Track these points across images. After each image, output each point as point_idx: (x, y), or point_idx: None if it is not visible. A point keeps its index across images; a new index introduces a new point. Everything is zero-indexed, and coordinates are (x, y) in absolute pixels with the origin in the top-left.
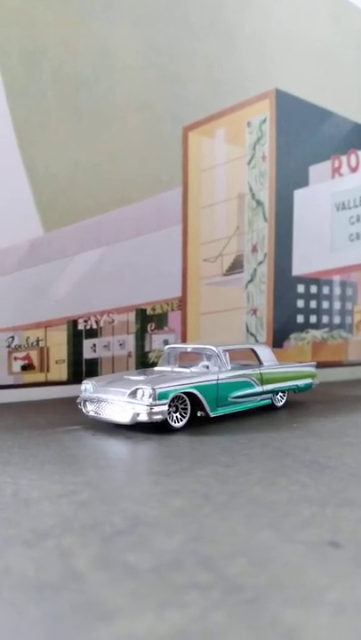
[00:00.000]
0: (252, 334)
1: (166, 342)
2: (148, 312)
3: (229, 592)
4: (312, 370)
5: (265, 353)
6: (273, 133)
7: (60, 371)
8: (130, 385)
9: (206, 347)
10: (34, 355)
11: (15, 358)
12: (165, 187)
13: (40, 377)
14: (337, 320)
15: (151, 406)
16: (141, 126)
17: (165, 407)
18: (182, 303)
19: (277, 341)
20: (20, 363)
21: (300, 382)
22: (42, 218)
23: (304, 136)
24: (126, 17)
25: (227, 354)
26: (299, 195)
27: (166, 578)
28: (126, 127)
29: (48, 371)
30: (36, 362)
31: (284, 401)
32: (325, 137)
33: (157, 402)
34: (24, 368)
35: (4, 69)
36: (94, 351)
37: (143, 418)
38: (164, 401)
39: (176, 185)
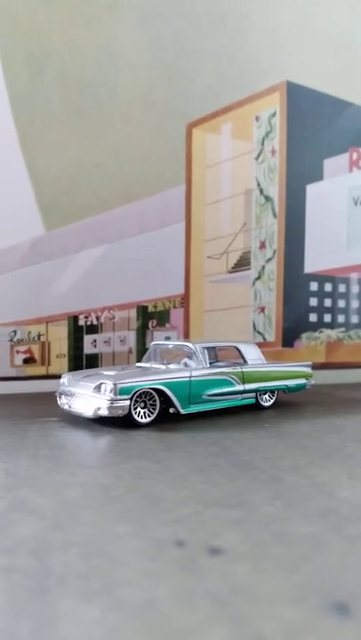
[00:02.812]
0: (259, 333)
1: (168, 339)
2: (150, 309)
3: (32, 579)
4: (306, 370)
5: (250, 351)
6: (284, 127)
7: (60, 365)
8: (98, 379)
9: (185, 344)
10: (35, 349)
11: (17, 352)
12: (169, 184)
13: (41, 370)
14: (355, 319)
15: (112, 401)
16: (146, 124)
17: (127, 402)
18: (185, 300)
19: (287, 341)
20: (22, 356)
21: (291, 382)
22: (44, 217)
23: (319, 129)
24: (131, 15)
25: (205, 351)
26: (312, 189)
27: None
28: (130, 126)
29: (49, 364)
30: (37, 355)
31: (272, 401)
32: (342, 129)
33: (119, 397)
34: (26, 361)
35: (8, 75)
36: (95, 346)
37: (104, 412)
38: (126, 396)
39: (180, 182)
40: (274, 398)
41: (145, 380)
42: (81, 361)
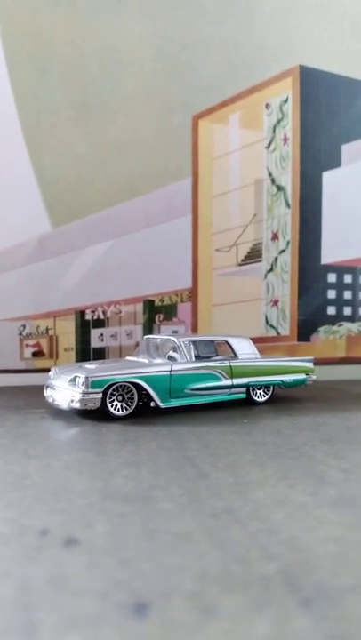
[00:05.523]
0: (272, 327)
1: (175, 333)
2: (157, 303)
3: None
4: (307, 365)
5: (242, 345)
6: (297, 113)
7: (68, 358)
8: (74, 372)
9: (169, 338)
10: (44, 342)
11: (26, 345)
12: (175, 177)
13: (49, 363)
14: None
15: (84, 394)
16: (150, 118)
17: (99, 395)
18: (193, 294)
19: (303, 335)
20: (31, 349)
21: (287, 377)
22: (50, 215)
23: (335, 113)
24: (135, 9)
25: (191, 345)
26: (329, 177)
27: None
28: (135, 120)
29: (57, 358)
30: (45, 349)
31: (267, 397)
32: None
33: (90, 390)
34: (34, 355)
35: (14, 76)
36: (102, 340)
37: (76, 405)
38: (98, 389)
39: (186, 175)
40: (269, 394)
41: (120, 374)
42: (88, 354)
